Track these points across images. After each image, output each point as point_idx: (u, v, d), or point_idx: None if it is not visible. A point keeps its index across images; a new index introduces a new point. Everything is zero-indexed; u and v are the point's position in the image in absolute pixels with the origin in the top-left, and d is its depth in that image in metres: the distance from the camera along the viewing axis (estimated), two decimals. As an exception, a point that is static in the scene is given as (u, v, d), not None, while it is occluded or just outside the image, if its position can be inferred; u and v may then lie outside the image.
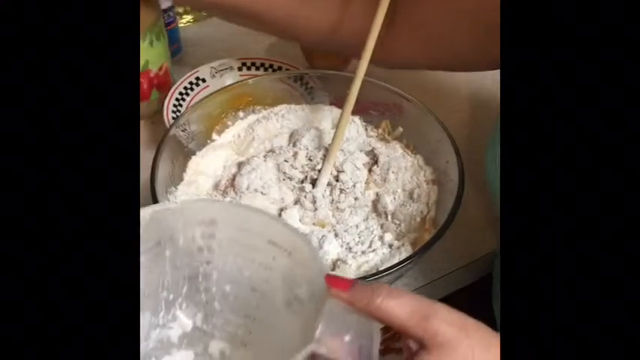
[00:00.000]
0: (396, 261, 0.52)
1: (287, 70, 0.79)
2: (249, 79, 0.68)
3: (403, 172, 0.61)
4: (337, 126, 0.61)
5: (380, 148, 0.63)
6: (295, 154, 0.62)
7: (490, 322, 0.35)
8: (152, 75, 0.75)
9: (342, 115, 0.61)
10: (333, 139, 0.61)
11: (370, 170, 0.62)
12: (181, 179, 0.60)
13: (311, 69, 0.81)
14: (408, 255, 0.52)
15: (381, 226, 0.58)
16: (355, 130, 0.66)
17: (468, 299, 0.67)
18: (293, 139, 0.65)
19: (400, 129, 0.65)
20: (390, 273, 0.49)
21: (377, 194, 0.61)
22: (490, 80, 0.84)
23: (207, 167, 0.63)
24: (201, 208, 0.42)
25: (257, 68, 0.80)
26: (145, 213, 0.39)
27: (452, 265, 0.63)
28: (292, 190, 0.61)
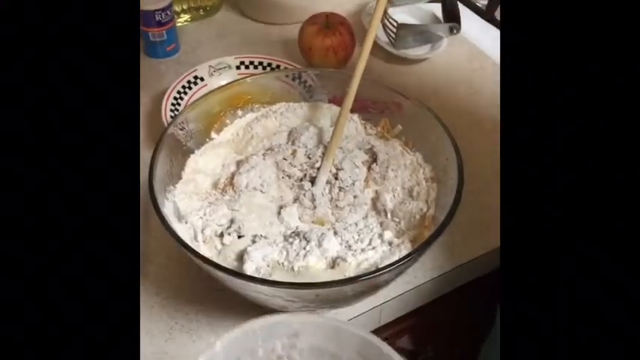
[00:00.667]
0: (395, 258, 0.52)
1: (285, 68, 0.79)
2: (247, 77, 0.68)
3: (402, 170, 0.61)
4: (336, 124, 0.61)
5: (379, 146, 0.63)
6: (294, 152, 0.62)
7: (490, 320, 0.35)
8: None
9: (340, 112, 0.61)
10: (331, 137, 0.61)
11: (369, 168, 0.62)
12: (180, 178, 0.60)
13: (309, 67, 0.81)
14: (407, 252, 0.52)
15: (381, 224, 0.58)
16: (354, 128, 0.66)
17: (468, 297, 0.68)
18: (292, 137, 0.65)
19: (399, 127, 0.65)
20: (390, 270, 0.49)
21: (376, 192, 0.61)
22: (490, 82, 0.84)
23: (205, 166, 0.63)
24: (284, 322, 0.42)
25: (255, 67, 0.80)
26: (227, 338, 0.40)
27: (452, 263, 0.63)
28: (291, 188, 0.61)
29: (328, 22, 0.81)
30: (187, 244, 0.50)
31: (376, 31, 0.60)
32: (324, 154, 0.61)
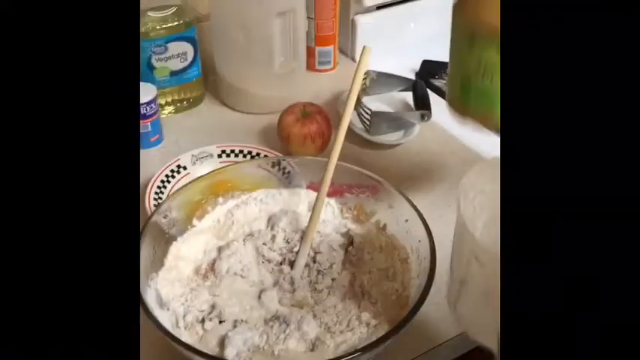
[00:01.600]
0: (373, 339, 0.53)
1: (265, 156, 0.82)
2: (228, 165, 0.71)
3: (378, 252, 0.63)
4: (313, 209, 0.64)
5: (355, 229, 0.66)
6: (273, 237, 0.65)
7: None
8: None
9: (317, 197, 0.64)
10: (309, 222, 0.63)
11: (346, 251, 0.64)
12: (162, 264, 0.62)
13: (288, 155, 0.85)
14: (385, 333, 0.53)
15: (359, 306, 0.60)
16: (331, 212, 0.69)
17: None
18: (271, 222, 0.67)
19: (374, 210, 0.68)
20: (368, 352, 0.50)
21: (353, 274, 0.63)
22: (461, 165, 0.87)
23: (187, 252, 0.65)
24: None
25: (236, 155, 0.84)
26: None
27: (433, 342, 0.64)
28: (271, 272, 0.63)
29: (305, 111, 0.86)
30: (169, 332, 0.51)
31: (349, 120, 0.64)
32: (302, 238, 0.64)
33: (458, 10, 0.60)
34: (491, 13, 0.50)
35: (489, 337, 0.46)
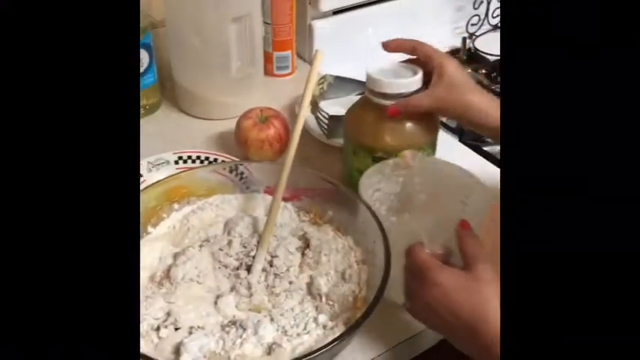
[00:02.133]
0: (328, 341, 0.53)
1: (222, 161, 0.82)
2: (183, 171, 0.71)
3: (335, 254, 0.64)
4: (269, 213, 0.64)
5: (312, 232, 0.66)
6: (230, 242, 0.64)
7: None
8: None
9: (272, 202, 0.64)
10: (265, 226, 0.63)
11: (303, 254, 0.64)
12: (117, 273, 0.61)
13: (246, 160, 0.84)
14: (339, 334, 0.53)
15: (316, 308, 0.60)
16: (288, 216, 0.69)
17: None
18: (227, 227, 0.67)
19: (330, 213, 0.68)
20: (322, 353, 0.50)
21: (310, 277, 0.63)
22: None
23: (143, 260, 0.64)
24: None
25: (193, 161, 0.83)
26: None
27: (391, 342, 0.64)
28: (228, 278, 0.63)
29: (262, 115, 0.86)
30: (121, 339, 0.50)
31: (303, 123, 0.65)
32: (259, 242, 0.64)
33: (344, 127, 0.75)
34: (366, 138, 0.70)
35: (399, 294, 0.57)
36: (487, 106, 0.65)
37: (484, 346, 0.49)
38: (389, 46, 0.70)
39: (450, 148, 0.85)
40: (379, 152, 0.69)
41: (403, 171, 0.64)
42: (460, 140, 0.94)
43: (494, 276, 0.52)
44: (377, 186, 0.65)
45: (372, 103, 0.69)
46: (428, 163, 0.65)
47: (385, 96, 0.68)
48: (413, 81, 0.67)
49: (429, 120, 0.70)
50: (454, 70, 0.66)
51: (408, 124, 0.69)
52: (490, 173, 0.86)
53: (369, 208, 0.62)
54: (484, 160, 0.89)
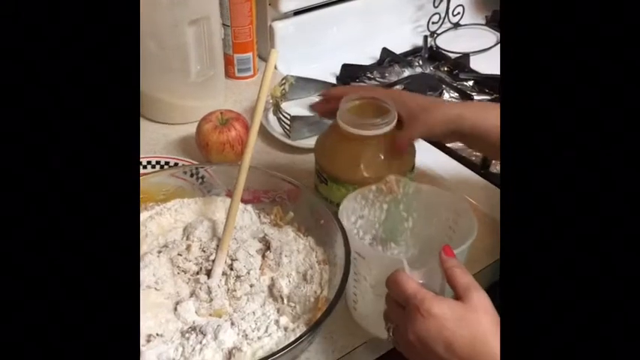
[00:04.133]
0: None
1: (183, 165, 0.81)
2: (141, 176, 0.69)
3: (296, 255, 0.63)
4: (227, 216, 0.63)
5: (272, 233, 0.65)
6: (188, 247, 0.63)
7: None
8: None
9: (230, 204, 0.63)
10: (224, 229, 0.62)
11: (264, 256, 0.63)
12: (72, 283, 0.59)
13: (206, 163, 0.83)
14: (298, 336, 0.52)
15: (277, 310, 0.59)
16: (249, 218, 0.68)
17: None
18: (186, 232, 0.66)
19: (291, 214, 0.68)
20: (282, 355, 0.49)
21: (272, 279, 0.62)
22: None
23: (100, 268, 0.62)
24: None
25: (153, 166, 0.82)
26: None
27: (353, 343, 0.64)
28: (187, 283, 0.61)
29: (223, 118, 0.85)
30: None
31: (259, 124, 0.64)
32: (218, 246, 0.63)
33: (315, 153, 0.73)
34: (333, 167, 0.69)
35: (380, 326, 0.53)
36: (459, 113, 0.65)
37: None
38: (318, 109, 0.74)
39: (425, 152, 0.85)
40: (354, 185, 0.65)
41: (387, 197, 0.62)
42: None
43: (491, 305, 0.49)
44: (360, 212, 0.63)
45: (346, 135, 0.67)
46: (413, 188, 0.62)
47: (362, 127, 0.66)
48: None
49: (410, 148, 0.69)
50: (413, 97, 0.68)
51: (384, 156, 0.67)
52: (451, 168, 0.86)
53: (330, 208, 0.62)
54: (445, 156, 0.89)
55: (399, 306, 0.50)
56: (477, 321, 0.47)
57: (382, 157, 0.67)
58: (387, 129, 0.66)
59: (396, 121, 0.66)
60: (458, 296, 0.49)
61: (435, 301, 0.48)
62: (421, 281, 0.50)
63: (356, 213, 0.62)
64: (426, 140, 0.73)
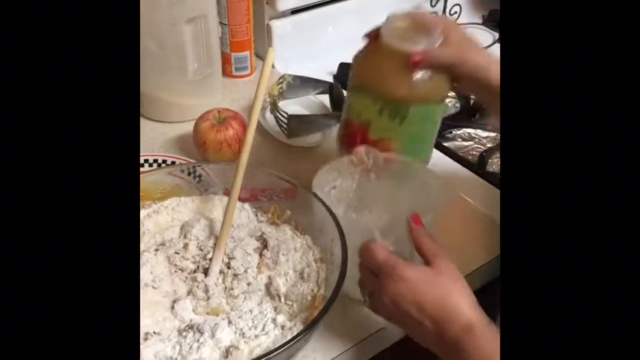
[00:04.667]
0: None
1: (180, 164, 0.81)
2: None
3: (293, 254, 0.63)
4: (225, 214, 0.63)
5: (270, 232, 0.65)
6: (186, 245, 0.63)
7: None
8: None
9: (228, 203, 0.63)
10: (221, 227, 0.63)
11: (261, 254, 0.63)
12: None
13: (204, 161, 0.83)
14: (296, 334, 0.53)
15: (275, 309, 0.59)
16: (246, 216, 0.68)
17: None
18: (184, 230, 0.66)
19: (288, 212, 0.68)
20: (279, 353, 0.49)
21: (269, 277, 0.62)
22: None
23: (98, 266, 0.62)
24: None
25: (150, 165, 0.82)
26: None
27: (353, 340, 0.64)
28: (184, 282, 0.62)
29: (220, 117, 0.85)
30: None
31: (256, 122, 0.65)
32: (215, 244, 0.63)
33: (352, 70, 0.73)
34: (376, 83, 0.67)
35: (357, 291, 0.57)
36: (489, 63, 0.65)
37: (450, 338, 0.49)
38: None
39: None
40: (386, 99, 0.67)
41: (358, 168, 0.64)
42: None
43: (457, 270, 0.53)
44: (333, 183, 0.66)
45: (387, 51, 0.67)
46: (382, 158, 0.65)
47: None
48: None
49: (442, 78, 0.68)
50: (458, 32, 0.67)
51: (424, 76, 0.66)
52: (448, 167, 0.87)
53: (326, 206, 0.62)
54: (441, 154, 0.89)
55: (373, 273, 0.54)
56: (445, 284, 0.51)
57: (414, 77, 0.66)
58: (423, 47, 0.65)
59: (437, 44, 0.66)
60: (427, 262, 0.53)
61: (405, 266, 0.52)
62: (391, 249, 0.54)
63: (329, 184, 0.66)
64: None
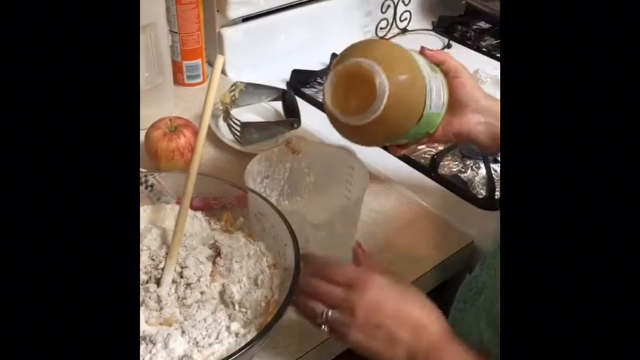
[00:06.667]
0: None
1: (131, 174, 0.80)
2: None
3: (246, 261, 0.63)
4: (176, 223, 0.62)
5: (223, 239, 0.65)
6: (137, 256, 0.62)
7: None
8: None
9: (179, 212, 0.62)
10: (173, 236, 0.62)
11: (214, 262, 0.63)
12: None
13: (155, 170, 0.82)
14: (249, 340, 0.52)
15: (229, 316, 0.59)
16: (199, 225, 0.68)
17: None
18: (135, 241, 0.65)
19: (241, 219, 0.68)
20: (231, 361, 0.49)
21: (223, 285, 0.61)
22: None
23: (46, 280, 0.61)
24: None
25: (100, 175, 0.80)
26: None
27: (305, 347, 0.64)
28: (136, 293, 0.60)
29: (172, 125, 0.84)
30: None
31: (206, 130, 0.64)
32: (167, 254, 0.62)
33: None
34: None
35: None
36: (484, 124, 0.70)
37: (425, 345, 0.52)
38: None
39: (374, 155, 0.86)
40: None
41: (290, 156, 0.68)
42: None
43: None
44: (265, 173, 0.70)
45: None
46: (313, 147, 0.69)
47: None
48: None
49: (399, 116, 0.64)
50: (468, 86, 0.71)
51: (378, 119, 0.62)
52: (401, 170, 0.88)
53: (279, 212, 0.62)
54: (394, 158, 0.90)
55: (339, 288, 0.56)
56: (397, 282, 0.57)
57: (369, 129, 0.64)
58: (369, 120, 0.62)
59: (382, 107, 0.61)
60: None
61: (374, 272, 0.57)
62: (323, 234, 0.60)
63: (261, 174, 0.69)
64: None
